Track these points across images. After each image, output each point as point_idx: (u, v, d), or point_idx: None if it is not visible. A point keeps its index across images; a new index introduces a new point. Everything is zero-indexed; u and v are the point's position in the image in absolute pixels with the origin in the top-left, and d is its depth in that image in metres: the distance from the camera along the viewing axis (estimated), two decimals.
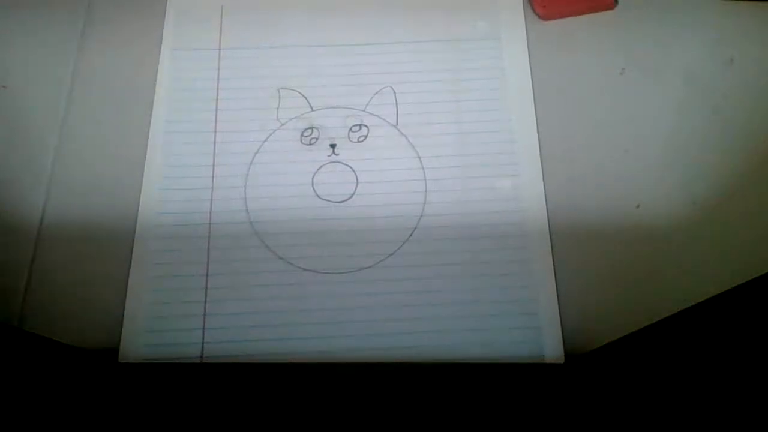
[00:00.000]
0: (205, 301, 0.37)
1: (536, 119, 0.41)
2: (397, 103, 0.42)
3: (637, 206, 0.39)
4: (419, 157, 0.40)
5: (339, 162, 0.40)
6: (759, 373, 0.32)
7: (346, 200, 0.39)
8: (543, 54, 0.43)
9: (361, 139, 0.41)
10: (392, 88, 0.42)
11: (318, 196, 0.39)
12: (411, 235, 0.38)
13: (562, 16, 0.44)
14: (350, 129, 0.41)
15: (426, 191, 0.39)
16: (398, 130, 0.41)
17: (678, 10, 0.44)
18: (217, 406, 0.33)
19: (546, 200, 0.39)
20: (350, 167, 0.40)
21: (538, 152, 0.40)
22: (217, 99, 0.42)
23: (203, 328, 0.36)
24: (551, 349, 0.35)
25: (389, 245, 0.38)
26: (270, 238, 0.38)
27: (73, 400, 0.32)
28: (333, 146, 0.41)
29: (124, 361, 0.35)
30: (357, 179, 0.40)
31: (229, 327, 0.36)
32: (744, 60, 0.43)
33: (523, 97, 0.42)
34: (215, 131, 0.41)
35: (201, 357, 0.36)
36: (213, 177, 0.40)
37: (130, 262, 0.37)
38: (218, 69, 0.42)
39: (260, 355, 0.35)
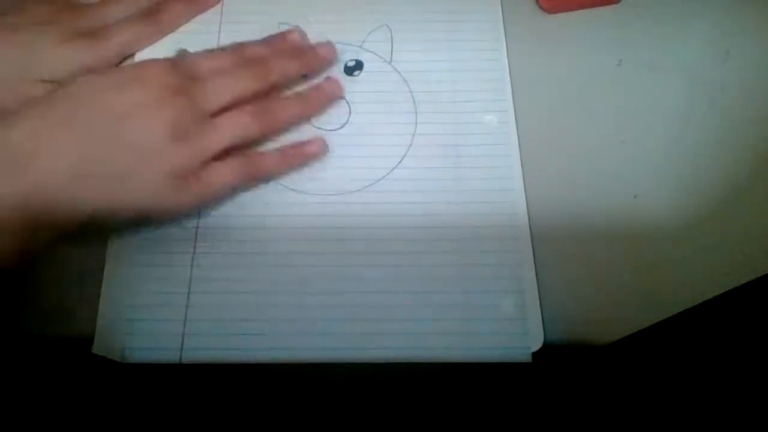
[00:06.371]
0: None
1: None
2: (392, 41, 0.43)
3: (635, 197, 0.39)
4: (411, 92, 0.42)
5: None
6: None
7: (339, 129, 0.41)
8: (540, 44, 0.43)
9: (356, 73, 0.42)
10: (388, 26, 0.44)
11: (311, 124, 0.41)
12: (400, 162, 0.40)
13: (568, 9, 0.44)
14: (345, 64, 0.43)
15: (416, 123, 0.41)
16: (392, 66, 0.43)
17: (675, 3, 0.45)
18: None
19: (539, 190, 0.39)
20: (344, 99, 0.42)
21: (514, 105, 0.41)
22: (219, 32, 0.43)
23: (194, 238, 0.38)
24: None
25: (379, 171, 0.39)
26: None
27: (51, 396, 0.33)
28: None
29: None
30: (350, 110, 0.41)
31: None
32: (740, 52, 0.43)
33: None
34: None
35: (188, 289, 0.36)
36: None
37: None
38: (222, 2, 0.44)
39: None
